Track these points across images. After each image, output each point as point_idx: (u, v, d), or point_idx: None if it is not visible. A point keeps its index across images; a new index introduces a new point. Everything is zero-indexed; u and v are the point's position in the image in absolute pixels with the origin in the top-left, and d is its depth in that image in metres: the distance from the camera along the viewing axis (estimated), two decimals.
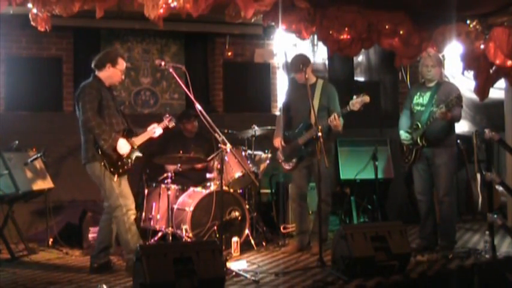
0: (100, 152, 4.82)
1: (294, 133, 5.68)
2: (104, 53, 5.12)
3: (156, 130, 5.18)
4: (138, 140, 5.06)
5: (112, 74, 5.01)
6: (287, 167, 5.76)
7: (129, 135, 5.01)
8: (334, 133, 5.62)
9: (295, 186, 5.84)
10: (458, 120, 5.58)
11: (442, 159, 5.50)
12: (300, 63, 5.54)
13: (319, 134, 5.10)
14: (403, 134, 5.66)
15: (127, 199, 4.94)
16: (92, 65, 5.03)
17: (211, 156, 6.15)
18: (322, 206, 5.42)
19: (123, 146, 4.86)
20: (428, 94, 5.55)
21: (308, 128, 5.52)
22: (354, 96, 5.32)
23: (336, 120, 5.38)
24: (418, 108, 5.59)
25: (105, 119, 4.88)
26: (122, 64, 5.04)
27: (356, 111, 5.32)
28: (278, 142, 5.79)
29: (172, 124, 5.35)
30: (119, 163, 4.89)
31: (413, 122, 5.59)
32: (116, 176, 4.87)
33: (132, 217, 4.95)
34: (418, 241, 5.77)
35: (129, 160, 4.95)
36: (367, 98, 5.30)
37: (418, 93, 5.65)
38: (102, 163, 4.82)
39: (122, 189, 4.92)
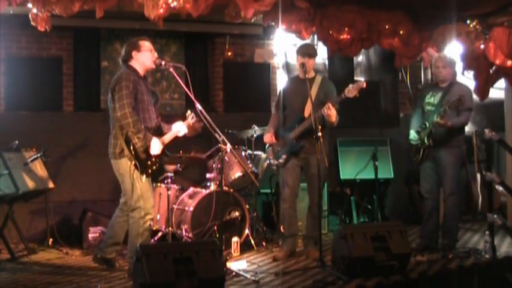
0: (132, 150, 4.66)
1: (287, 128, 5.53)
2: (125, 46, 4.93)
3: (181, 129, 4.97)
4: (166, 139, 4.89)
5: (142, 58, 4.82)
6: (276, 162, 5.53)
7: (159, 133, 4.84)
8: (328, 126, 5.38)
9: (287, 187, 5.49)
10: (465, 124, 5.62)
11: (449, 159, 5.52)
12: (315, 50, 5.54)
13: (319, 134, 5.04)
14: (412, 134, 5.68)
15: (147, 202, 4.79)
16: (121, 63, 4.90)
17: (208, 153, 6.13)
18: (317, 208, 5.27)
19: (155, 147, 4.70)
20: (439, 94, 5.58)
21: (300, 121, 5.41)
22: (350, 84, 5.20)
23: (331, 109, 5.17)
24: (429, 107, 5.62)
25: (139, 113, 4.71)
26: (145, 45, 4.85)
27: (352, 98, 5.16)
28: (268, 137, 5.59)
29: (198, 124, 5.02)
30: (149, 163, 4.74)
31: (423, 121, 5.61)
32: (144, 176, 4.74)
33: (148, 222, 4.81)
34: (418, 240, 5.78)
35: (158, 161, 4.80)
36: (363, 84, 5.15)
37: (430, 93, 5.67)
38: (133, 162, 4.66)
39: (144, 192, 4.77)
